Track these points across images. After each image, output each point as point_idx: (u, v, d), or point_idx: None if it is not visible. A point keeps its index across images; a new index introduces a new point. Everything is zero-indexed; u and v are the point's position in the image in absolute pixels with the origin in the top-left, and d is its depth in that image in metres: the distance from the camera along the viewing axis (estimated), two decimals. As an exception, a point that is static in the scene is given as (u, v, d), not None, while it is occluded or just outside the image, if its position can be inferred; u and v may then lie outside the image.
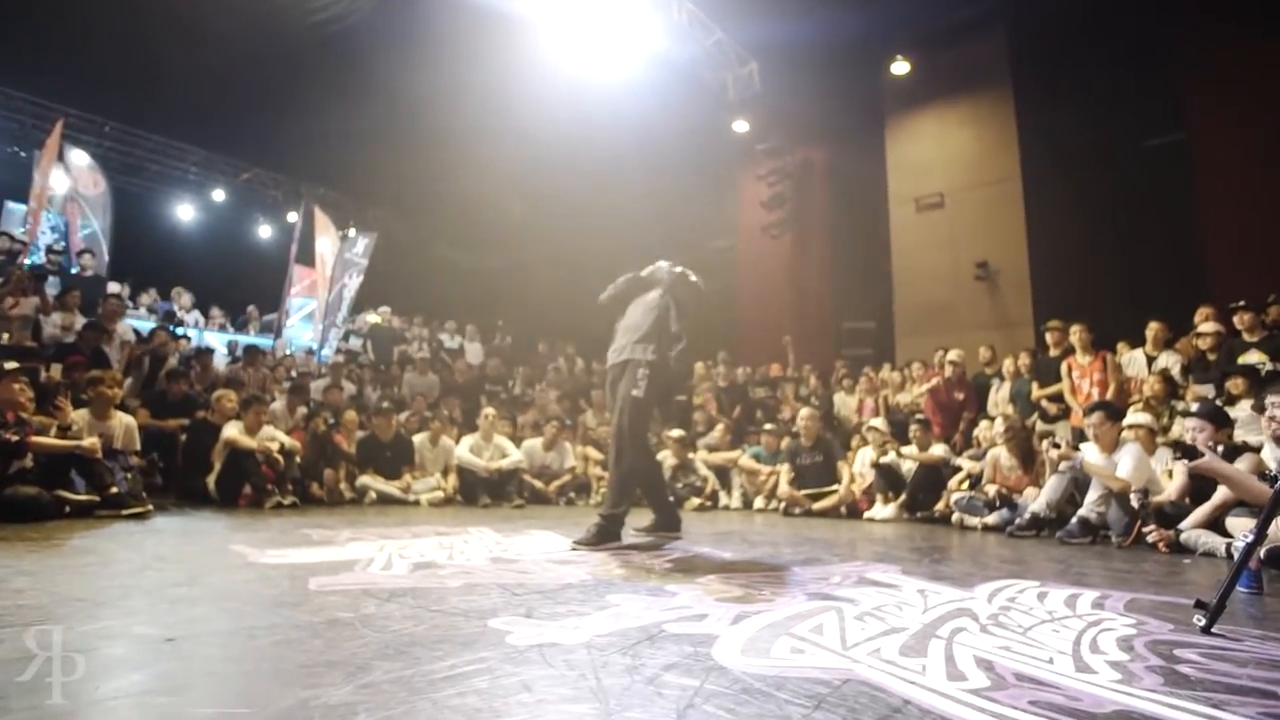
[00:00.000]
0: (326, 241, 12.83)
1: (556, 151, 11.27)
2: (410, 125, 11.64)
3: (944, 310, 10.32)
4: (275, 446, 5.75)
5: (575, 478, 7.39)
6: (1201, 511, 3.83)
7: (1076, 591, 2.55)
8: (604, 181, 12.30)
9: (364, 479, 6.54)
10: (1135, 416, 4.92)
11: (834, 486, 6.39)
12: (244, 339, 11.75)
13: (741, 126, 11.98)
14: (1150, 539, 3.92)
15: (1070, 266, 9.13)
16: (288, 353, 11.51)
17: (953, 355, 7.21)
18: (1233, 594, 2.04)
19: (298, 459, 6.00)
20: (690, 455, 7.36)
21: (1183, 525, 3.83)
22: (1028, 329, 9.30)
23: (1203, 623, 1.99)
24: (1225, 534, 3.69)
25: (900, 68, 10.86)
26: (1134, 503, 4.10)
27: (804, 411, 6.81)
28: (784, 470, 6.56)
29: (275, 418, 6.71)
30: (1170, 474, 4.47)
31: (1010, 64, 10.19)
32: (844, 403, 8.21)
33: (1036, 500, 4.74)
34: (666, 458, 7.35)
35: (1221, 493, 3.71)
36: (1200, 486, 3.94)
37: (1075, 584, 2.73)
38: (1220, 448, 3.62)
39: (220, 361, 9.16)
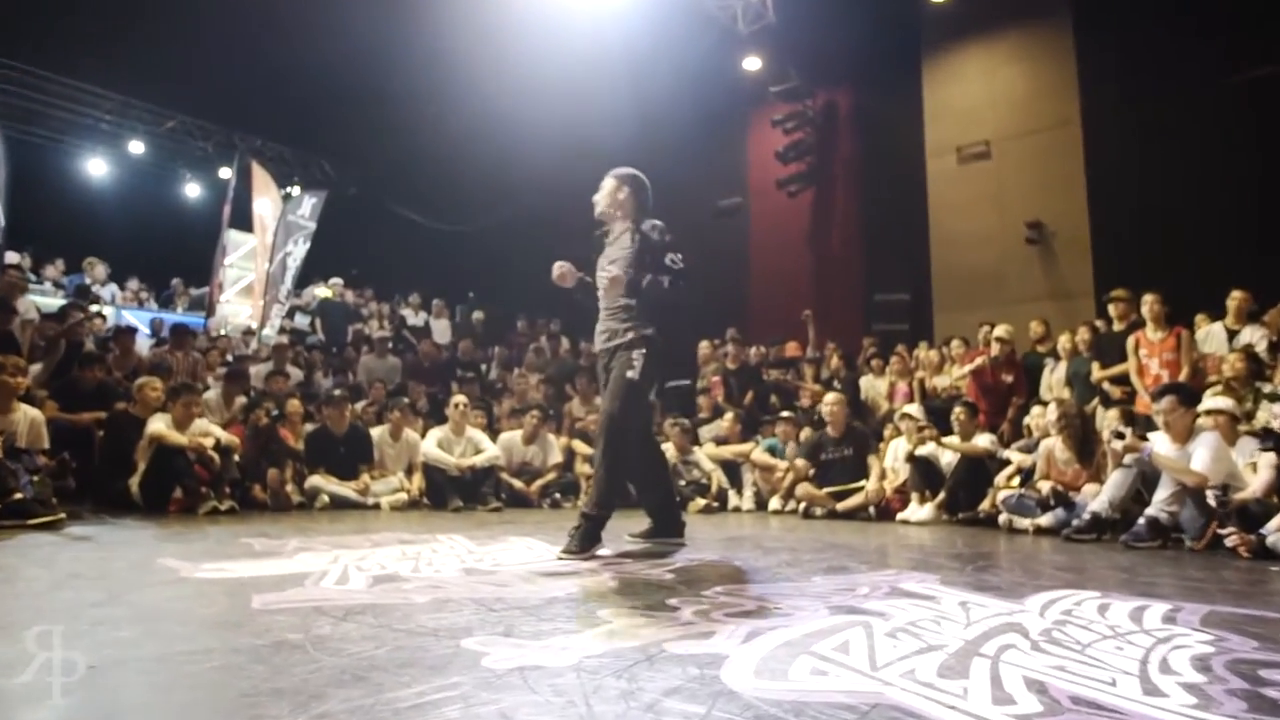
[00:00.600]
0: (266, 202, 12.77)
1: (534, 94, 11.16)
2: (364, 63, 11.51)
3: (990, 278, 10.32)
4: (209, 442, 5.73)
5: (561, 476, 7.41)
6: (1289, 510, 3.86)
7: (1144, 603, 2.57)
8: (590, 130, 12.18)
9: (314, 479, 6.54)
10: (1213, 401, 4.93)
11: (860, 482, 6.42)
12: (170, 317, 11.73)
13: (753, 64, 11.87)
14: (1229, 542, 3.95)
15: (1139, 226, 9.11)
16: (222, 333, 11.49)
17: (1000, 331, 7.22)
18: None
19: (236, 457, 5.99)
20: (694, 448, 7.38)
21: (1268, 527, 3.86)
22: (1088, 300, 9.32)
23: (1290, 638, 2.00)
24: (1318, 536, 3.72)
25: (940, -8, 10.77)
26: (1211, 501, 4.13)
27: (830, 397, 6.81)
28: (801, 465, 6.58)
29: (209, 409, 6.68)
30: (1254, 467, 4.49)
31: (1070, -16, 10.11)
32: (872, 386, 8.24)
33: (1097, 498, 4.76)
34: (666, 451, 7.37)
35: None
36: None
37: (1143, 595, 2.75)
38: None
39: (143, 344, 9.13)
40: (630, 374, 3.71)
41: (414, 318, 12.28)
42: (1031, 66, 10.49)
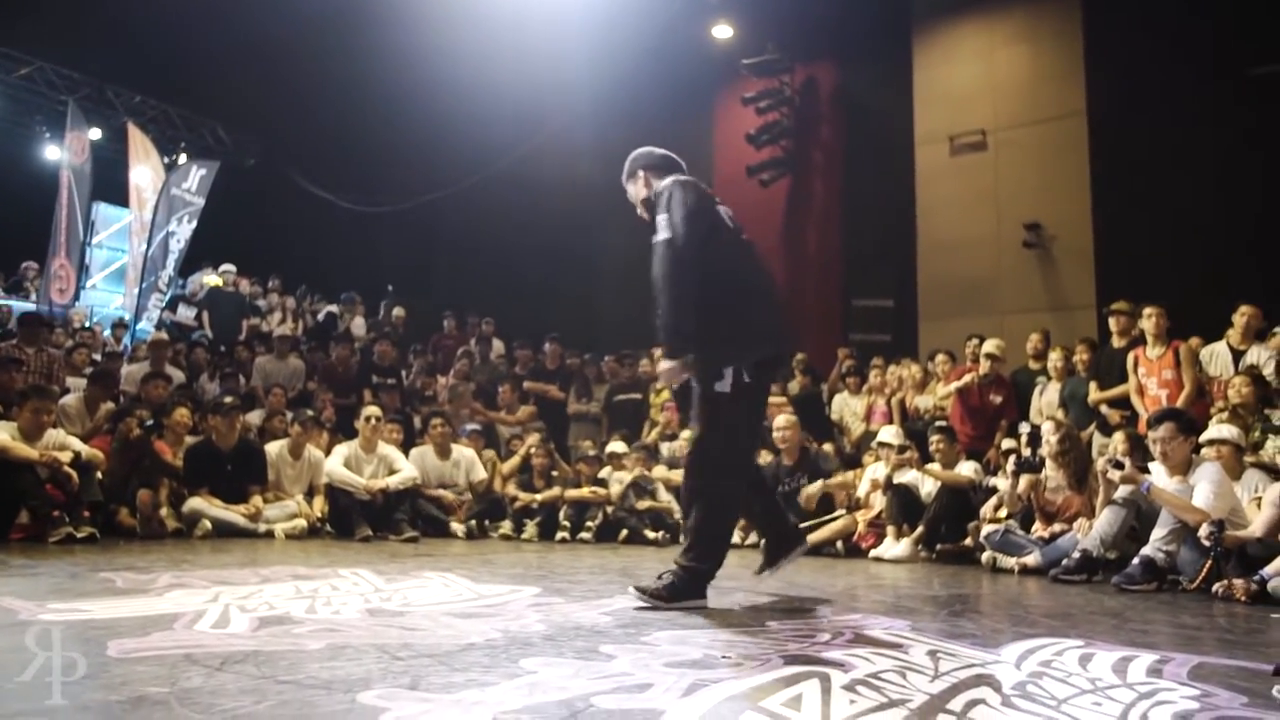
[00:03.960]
0: (146, 171, 12.52)
1: (471, 62, 11.12)
2: (272, 9, 11.35)
3: (983, 286, 10.57)
4: (66, 457, 5.60)
5: (488, 491, 7.42)
6: (1294, 552, 4.02)
7: (1130, 654, 2.67)
8: (535, 103, 12.22)
9: (194, 502, 6.43)
10: (1216, 430, 5.11)
11: (837, 513, 6.51)
12: (20, 305, 11.39)
13: (723, 32, 12.01)
14: (1222, 590, 4.07)
15: (1148, 232, 9.39)
16: (86, 325, 11.18)
17: (990, 347, 7.37)
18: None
19: (99, 474, 5.87)
20: (646, 473, 7.41)
21: (1268, 570, 4.01)
22: (1089, 313, 9.59)
23: (1283, 694, 2.11)
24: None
25: (934, -39, 11.04)
26: (1203, 537, 4.26)
27: (779, 420, 6.83)
28: None
29: (67, 417, 6.54)
30: (1259, 504, 4.66)
31: (1079, -40, 10.39)
32: (846, 405, 8.35)
33: (1089, 536, 4.91)
34: (616, 478, 7.39)
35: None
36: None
37: (1130, 644, 2.86)
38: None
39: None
40: (720, 385, 3.40)
41: (322, 314, 12.12)
42: (1034, 49, 10.79)
